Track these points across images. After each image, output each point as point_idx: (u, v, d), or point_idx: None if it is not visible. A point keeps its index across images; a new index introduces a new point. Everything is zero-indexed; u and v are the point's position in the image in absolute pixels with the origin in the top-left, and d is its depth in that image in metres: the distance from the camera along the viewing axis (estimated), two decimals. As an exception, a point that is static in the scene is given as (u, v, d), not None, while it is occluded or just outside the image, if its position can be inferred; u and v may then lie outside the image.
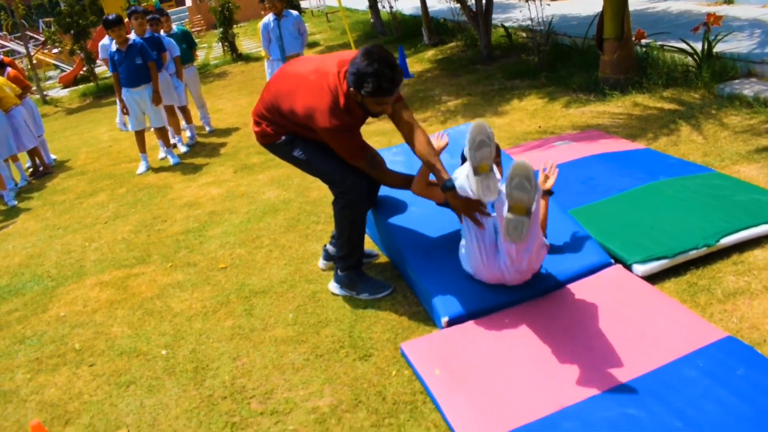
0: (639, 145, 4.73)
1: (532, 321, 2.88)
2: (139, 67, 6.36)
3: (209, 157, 6.98)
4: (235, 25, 14.81)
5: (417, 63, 9.92)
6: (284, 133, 3.18)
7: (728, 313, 2.80)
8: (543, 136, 5.39)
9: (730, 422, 2.16)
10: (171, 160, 6.90)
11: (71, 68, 16.85)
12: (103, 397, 3.06)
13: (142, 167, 6.80)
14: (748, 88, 5.42)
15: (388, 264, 3.77)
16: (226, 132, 7.96)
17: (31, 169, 7.83)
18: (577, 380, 2.48)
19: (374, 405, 2.65)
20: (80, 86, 15.22)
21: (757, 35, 6.64)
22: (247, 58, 14.21)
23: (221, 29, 14.36)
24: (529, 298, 3.04)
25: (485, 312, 2.98)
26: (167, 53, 7.05)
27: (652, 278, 3.10)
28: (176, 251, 4.59)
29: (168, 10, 8.77)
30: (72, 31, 13.39)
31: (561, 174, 4.13)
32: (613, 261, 3.20)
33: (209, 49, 17.38)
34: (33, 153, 7.72)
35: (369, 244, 3.93)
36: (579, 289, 3.05)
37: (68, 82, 16.10)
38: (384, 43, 11.93)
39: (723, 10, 8.11)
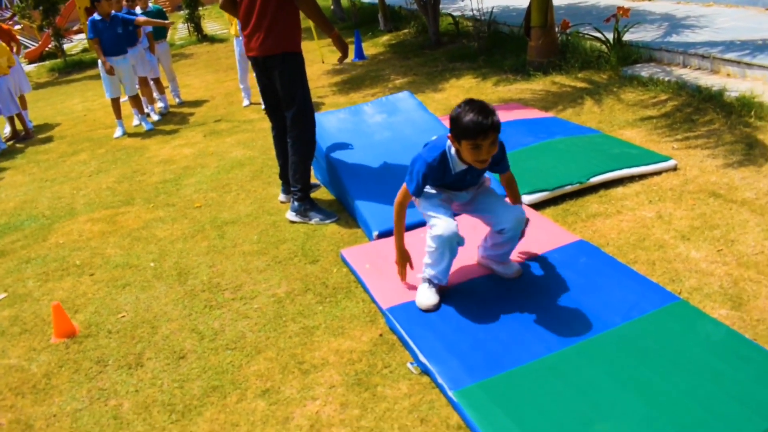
0: (548, 114, 5.67)
1: (442, 234, 3.77)
2: (119, 36, 7.07)
3: (180, 124, 7.72)
4: (200, 8, 15.41)
5: (372, 47, 10.75)
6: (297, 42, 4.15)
7: (587, 228, 3.74)
8: (473, 108, 6.29)
9: (569, 288, 3.08)
10: (145, 127, 7.61)
11: (34, 44, 17.19)
12: (104, 294, 3.85)
13: (118, 132, 7.50)
14: (646, 71, 6.42)
15: (334, 201, 4.62)
16: (195, 104, 8.69)
17: (7, 135, 8.41)
18: (469, 267, 3.38)
19: (319, 290, 3.51)
20: (47, 62, 15.62)
21: (663, 27, 7.67)
22: (212, 40, 14.85)
23: (187, 11, 14.95)
24: (442, 219, 3.93)
25: (407, 228, 3.85)
26: (141, 29, 7.74)
27: (536, 206, 4.03)
28: (156, 195, 5.36)
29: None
30: (41, 7, 13.83)
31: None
32: (508, 193, 4.12)
33: (174, 30, 17.89)
34: (12, 119, 8.32)
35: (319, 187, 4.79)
36: (481, 214, 3.95)
37: (34, 58, 16.47)
38: (343, 29, 12.73)
39: (642, 5, 9.17)
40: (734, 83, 5.65)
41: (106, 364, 3.17)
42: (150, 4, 8.39)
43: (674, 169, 4.31)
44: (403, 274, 3.30)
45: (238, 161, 5.91)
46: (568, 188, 4.09)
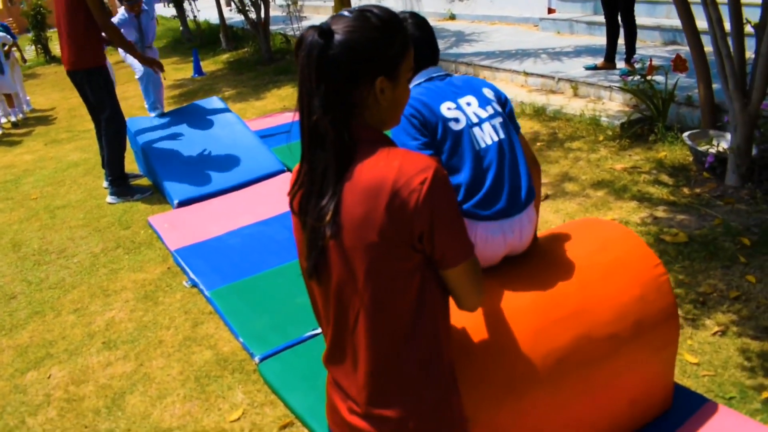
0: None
1: (229, 201, 4.90)
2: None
3: (23, 137, 8.37)
4: (48, 29, 15.69)
5: (212, 64, 11.74)
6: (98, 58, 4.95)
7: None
8: (282, 112, 7.50)
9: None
10: (-12, 139, 8.20)
11: None
12: (-53, 266, 4.65)
13: (-39, 144, 8.05)
14: (424, 77, 7.89)
15: (152, 186, 5.62)
16: (39, 120, 9.31)
17: None
18: (244, 220, 4.52)
19: (127, 246, 4.52)
20: None
21: (450, 41, 9.26)
22: (59, 61, 15.18)
23: (34, 32, 15.21)
24: (231, 190, 5.05)
25: (202, 198, 4.96)
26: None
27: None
28: (-4, 193, 6.12)
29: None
30: None
31: (274, 130, 6.23)
32: (286, 169, 5.32)
33: (23, 51, 17.90)
34: None
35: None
36: (263, 186, 5.11)
37: None
38: (190, 48, 13.60)
39: (442, 24, 10.81)
40: (482, 84, 7.20)
41: (-51, 310, 4.02)
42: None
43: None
44: None
45: (74, 163, 6.75)
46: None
